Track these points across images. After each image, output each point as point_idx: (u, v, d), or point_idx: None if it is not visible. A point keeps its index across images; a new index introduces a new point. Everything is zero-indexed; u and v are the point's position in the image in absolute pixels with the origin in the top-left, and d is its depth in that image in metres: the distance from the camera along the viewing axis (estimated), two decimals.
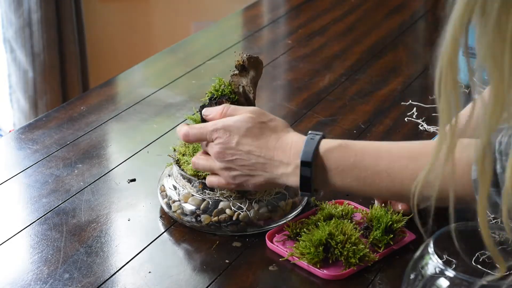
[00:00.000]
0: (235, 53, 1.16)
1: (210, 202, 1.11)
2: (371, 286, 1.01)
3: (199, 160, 1.10)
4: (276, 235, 1.10)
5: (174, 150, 1.18)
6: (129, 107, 1.50)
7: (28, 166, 1.28)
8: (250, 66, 1.13)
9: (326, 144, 1.03)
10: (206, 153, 1.10)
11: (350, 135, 1.38)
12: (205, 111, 1.11)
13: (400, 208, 1.14)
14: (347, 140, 1.04)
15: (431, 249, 0.77)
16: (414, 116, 1.46)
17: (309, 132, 1.05)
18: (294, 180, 1.04)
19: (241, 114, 1.07)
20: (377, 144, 1.05)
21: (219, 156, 1.06)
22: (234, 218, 1.10)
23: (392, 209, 1.11)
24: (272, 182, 1.06)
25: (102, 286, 1.01)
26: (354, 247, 1.03)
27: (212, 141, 1.07)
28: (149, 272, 1.03)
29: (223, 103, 1.12)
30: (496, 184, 0.89)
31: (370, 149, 1.03)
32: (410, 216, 1.14)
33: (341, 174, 1.02)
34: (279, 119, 1.09)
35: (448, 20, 0.74)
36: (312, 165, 1.02)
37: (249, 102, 1.13)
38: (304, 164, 1.02)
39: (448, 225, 0.80)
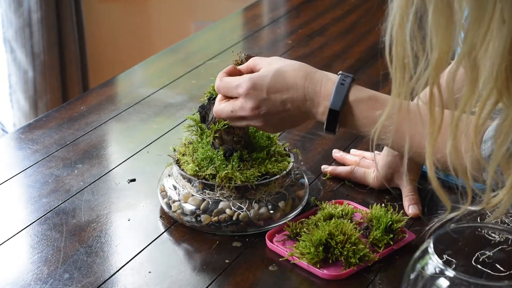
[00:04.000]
0: (233, 52, 1.16)
1: (210, 202, 1.11)
2: (371, 286, 1.01)
3: (220, 105, 1.10)
4: (276, 235, 1.10)
5: (174, 150, 1.18)
6: (129, 107, 1.50)
7: (28, 166, 1.28)
8: None
9: (356, 92, 1.05)
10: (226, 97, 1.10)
11: (350, 135, 1.38)
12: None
13: (410, 212, 1.15)
14: (376, 92, 1.06)
15: (431, 249, 0.77)
16: None
17: (340, 72, 1.07)
18: (322, 118, 1.07)
19: (262, 69, 1.09)
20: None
21: (253, 111, 1.07)
22: (234, 218, 1.10)
23: (392, 210, 1.12)
24: (305, 117, 1.09)
25: (102, 286, 1.01)
26: (354, 247, 1.03)
27: (239, 96, 1.08)
28: (149, 272, 1.03)
29: None
30: None
31: None
32: (409, 217, 1.14)
33: (366, 123, 1.04)
34: (295, 61, 1.10)
35: None
36: (340, 112, 1.05)
37: None
38: (332, 110, 1.05)
39: (448, 225, 0.80)
